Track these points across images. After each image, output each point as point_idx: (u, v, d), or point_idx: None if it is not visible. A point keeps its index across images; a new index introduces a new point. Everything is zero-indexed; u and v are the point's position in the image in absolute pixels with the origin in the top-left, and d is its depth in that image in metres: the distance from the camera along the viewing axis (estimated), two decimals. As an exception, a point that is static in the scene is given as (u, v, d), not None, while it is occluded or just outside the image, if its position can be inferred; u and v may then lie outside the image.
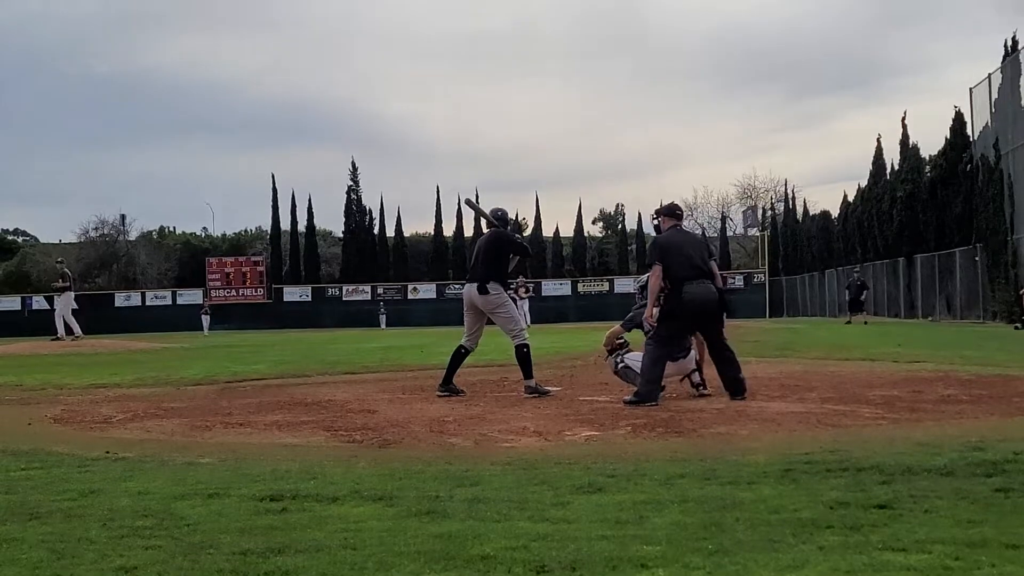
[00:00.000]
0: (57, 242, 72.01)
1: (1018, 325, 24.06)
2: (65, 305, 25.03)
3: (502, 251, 9.20)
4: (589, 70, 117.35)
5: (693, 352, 8.49)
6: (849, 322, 31.82)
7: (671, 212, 8.66)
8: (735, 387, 8.02)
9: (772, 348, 16.00)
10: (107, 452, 5.81)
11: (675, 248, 8.20)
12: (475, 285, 9.01)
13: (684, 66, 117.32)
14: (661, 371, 7.99)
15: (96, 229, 65.97)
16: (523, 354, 8.93)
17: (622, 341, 8.85)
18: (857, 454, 4.98)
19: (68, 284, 25.23)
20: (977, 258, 30.92)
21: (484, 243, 9.24)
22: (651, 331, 8.21)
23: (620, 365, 8.66)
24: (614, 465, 4.86)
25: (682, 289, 8.01)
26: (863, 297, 34.43)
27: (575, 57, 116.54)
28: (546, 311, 48.62)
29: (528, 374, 8.88)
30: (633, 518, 3.66)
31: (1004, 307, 27.60)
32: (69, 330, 24.69)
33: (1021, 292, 24.95)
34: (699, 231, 65.02)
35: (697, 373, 8.49)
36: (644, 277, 9.06)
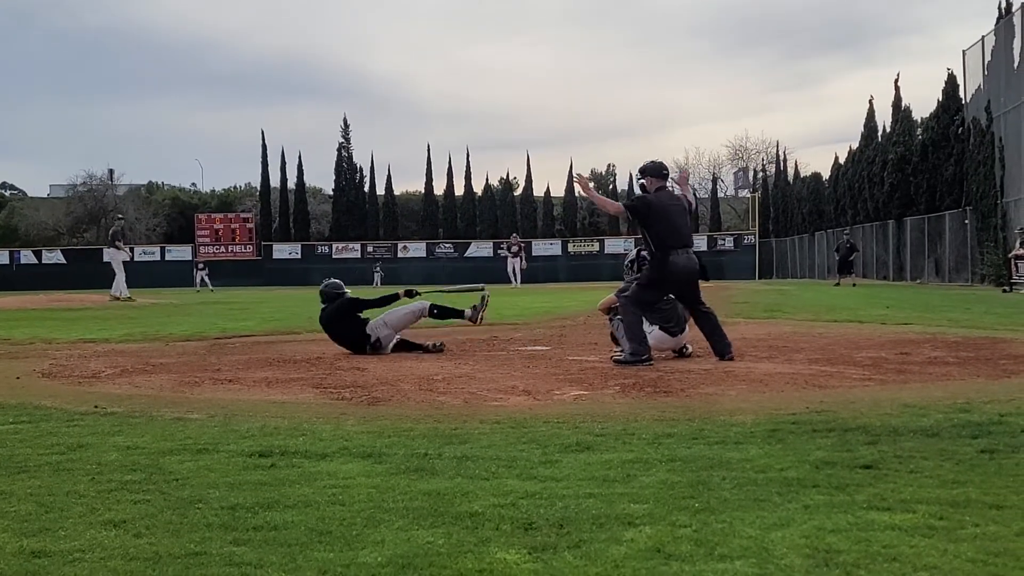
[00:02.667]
0: (45, 196, 71.63)
1: (1006, 288, 24.17)
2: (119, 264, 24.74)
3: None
4: (582, 30, 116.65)
5: (688, 328, 8.47)
6: (838, 284, 31.95)
7: (658, 172, 8.29)
8: (721, 347, 8.00)
9: (761, 309, 16.04)
10: (96, 407, 5.81)
11: (665, 213, 8.07)
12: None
13: (677, 26, 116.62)
14: (642, 327, 7.95)
15: (84, 184, 65.51)
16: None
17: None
18: (844, 415, 5.01)
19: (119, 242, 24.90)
20: (967, 221, 30.99)
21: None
22: (626, 290, 8.23)
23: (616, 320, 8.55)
24: (602, 424, 4.88)
25: (668, 259, 7.96)
26: (852, 259, 34.53)
27: (568, 16, 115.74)
28: (536, 271, 48.60)
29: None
30: (621, 477, 3.68)
31: (992, 270, 27.70)
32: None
33: (1010, 255, 25.03)
34: (691, 192, 64.99)
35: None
36: (634, 252, 9.01)
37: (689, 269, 8.06)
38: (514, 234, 44.83)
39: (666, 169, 8.42)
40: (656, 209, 8.09)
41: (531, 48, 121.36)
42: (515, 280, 37.83)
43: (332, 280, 9.85)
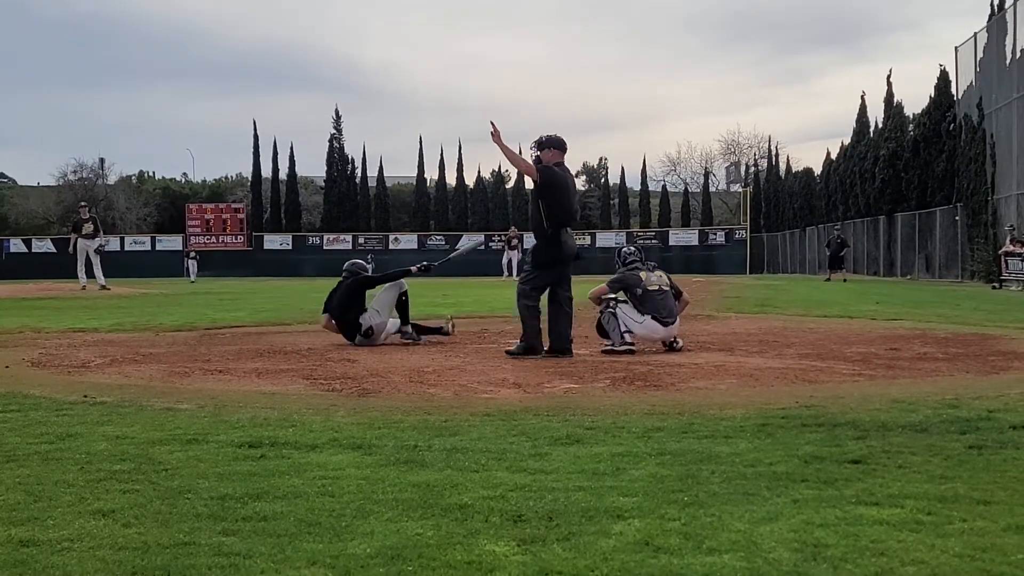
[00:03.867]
0: (35, 184, 71.28)
1: (996, 285, 24.25)
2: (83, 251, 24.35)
3: None
4: (575, 23, 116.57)
5: (679, 320, 8.49)
6: (829, 279, 31.98)
7: (560, 145, 8.10)
8: (560, 343, 7.96)
9: (752, 304, 16.06)
10: (85, 396, 5.80)
11: (565, 190, 8.02)
12: None
13: (671, 20, 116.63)
14: (539, 319, 8.03)
15: (75, 172, 65.27)
16: None
17: (611, 297, 8.71)
18: (833, 410, 5.02)
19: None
20: (957, 217, 31.06)
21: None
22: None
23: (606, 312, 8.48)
24: (592, 418, 4.89)
25: (560, 237, 7.94)
26: (843, 254, 34.60)
27: (561, 9, 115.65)
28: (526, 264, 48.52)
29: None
30: (610, 470, 3.69)
31: (983, 267, 27.77)
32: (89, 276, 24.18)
33: (1000, 252, 25.10)
34: (682, 186, 65.07)
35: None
36: (629, 250, 8.97)
37: (574, 250, 8.18)
38: (512, 227, 44.78)
39: (566, 145, 8.22)
40: (559, 183, 7.99)
41: (524, 41, 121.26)
42: (508, 272, 37.74)
43: (357, 260, 9.89)
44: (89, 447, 4.25)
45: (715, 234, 55.55)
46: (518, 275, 36.59)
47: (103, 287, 23.78)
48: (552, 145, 8.11)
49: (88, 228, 24.35)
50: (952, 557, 2.61)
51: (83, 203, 28.70)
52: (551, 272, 8.10)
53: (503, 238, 41.92)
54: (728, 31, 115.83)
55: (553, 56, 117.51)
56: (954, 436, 4.29)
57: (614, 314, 8.28)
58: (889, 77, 39.60)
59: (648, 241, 55.25)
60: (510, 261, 38.59)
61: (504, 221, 52.79)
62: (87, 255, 24.24)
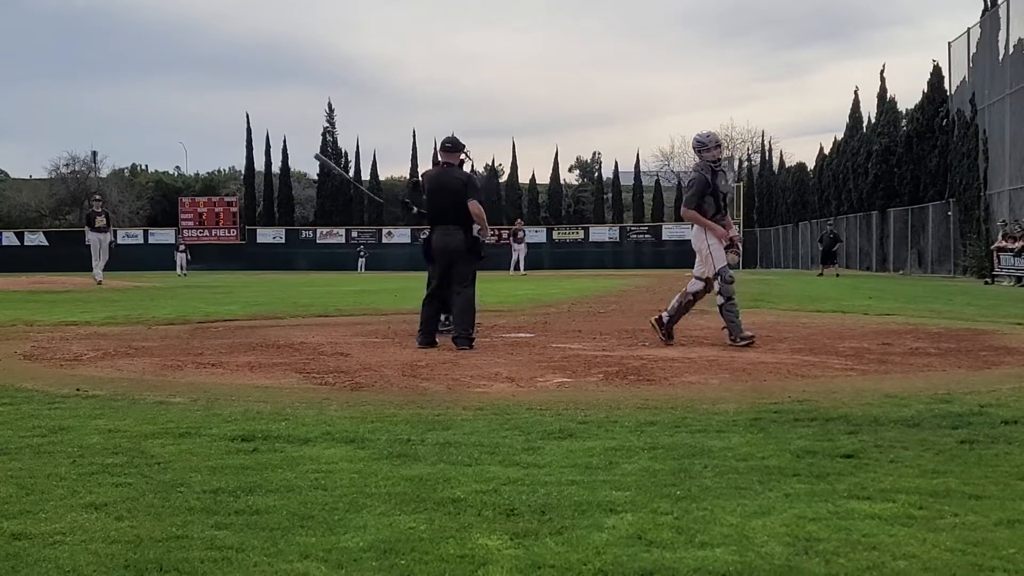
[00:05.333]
0: (28, 177, 71.08)
1: (988, 280, 24.31)
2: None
3: None
4: (569, 17, 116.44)
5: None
6: (821, 274, 32.05)
7: (443, 147, 8.59)
8: (458, 332, 8.18)
9: (745, 299, 16.01)
10: (77, 390, 5.79)
11: (430, 193, 8.50)
12: None
13: (665, 15, 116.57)
14: (475, 304, 8.37)
15: (67, 166, 65.10)
16: None
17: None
18: (825, 404, 5.03)
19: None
20: (950, 213, 31.12)
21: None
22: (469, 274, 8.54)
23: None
24: (585, 412, 4.89)
25: (430, 236, 8.49)
26: (836, 249, 34.67)
27: (556, 4, 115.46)
28: (520, 258, 48.70)
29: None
30: (603, 464, 3.69)
31: (975, 262, 27.83)
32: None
33: (992, 247, 25.16)
34: (675, 180, 65.04)
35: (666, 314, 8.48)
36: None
37: (440, 247, 8.39)
38: (519, 219, 44.65)
39: (450, 144, 8.56)
40: (427, 187, 8.55)
41: (518, 35, 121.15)
42: (520, 268, 37.08)
43: None
44: (81, 440, 4.25)
45: (708, 229, 55.48)
46: (525, 270, 36.45)
47: (100, 283, 23.62)
48: (441, 147, 8.70)
49: (101, 222, 24.04)
50: (944, 551, 2.61)
51: (97, 197, 28.35)
52: (432, 266, 8.60)
53: (512, 232, 41.12)
54: (723, 25, 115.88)
55: (547, 50, 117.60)
56: (946, 431, 4.30)
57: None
58: (883, 72, 39.76)
59: (641, 236, 55.39)
60: (518, 257, 37.85)
61: (496, 214, 52.69)
62: (100, 249, 23.95)
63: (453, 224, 8.33)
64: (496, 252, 49.07)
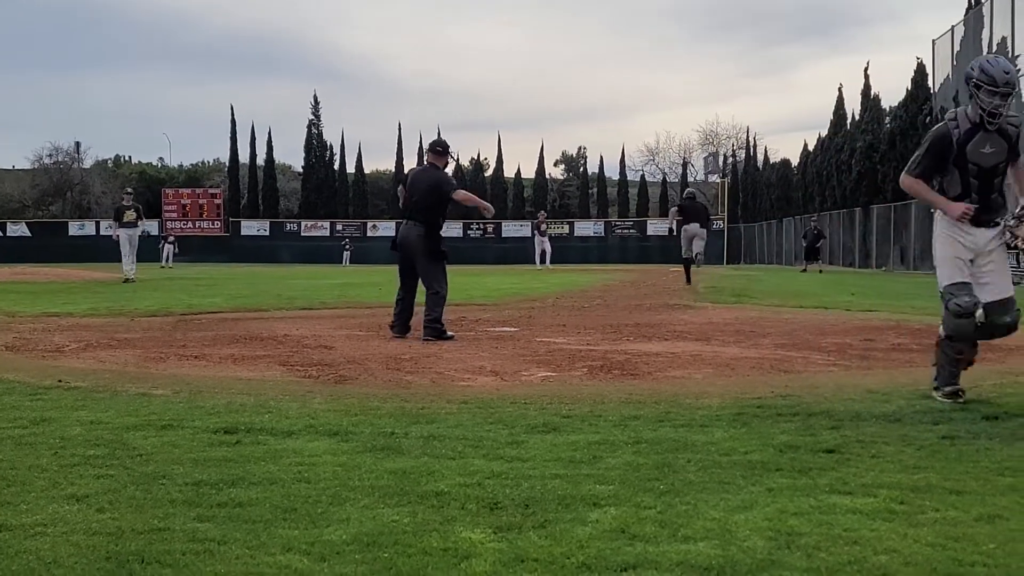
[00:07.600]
0: (10, 168, 70.60)
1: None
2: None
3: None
4: (556, 12, 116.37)
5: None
6: (804, 270, 32.18)
7: (431, 148, 9.00)
8: (426, 322, 8.40)
9: (728, 294, 16.13)
10: (59, 381, 5.76)
11: (408, 190, 8.80)
12: None
13: (651, 11, 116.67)
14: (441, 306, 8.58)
15: (50, 156, 64.73)
16: None
17: None
18: (808, 400, 5.05)
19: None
20: (932, 210, 31.21)
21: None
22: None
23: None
24: (569, 406, 4.90)
25: (399, 230, 8.87)
26: (819, 246, 34.81)
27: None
28: (506, 252, 48.61)
29: None
30: (587, 458, 3.70)
31: (956, 260, 27.91)
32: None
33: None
34: (660, 176, 65.14)
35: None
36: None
37: (401, 239, 8.83)
38: (542, 212, 44.56)
39: (440, 147, 8.99)
40: (408, 181, 8.88)
41: (505, 29, 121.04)
42: (545, 260, 36.82)
43: None
44: (63, 432, 4.23)
45: (693, 224, 55.57)
46: (551, 263, 36.24)
47: (128, 279, 22.32)
48: (428, 148, 9.18)
49: (131, 216, 22.99)
50: (924, 546, 2.63)
51: (128, 190, 27.50)
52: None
53: (535, 223, 40.51)
54: (709, 21, 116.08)
55: (533, 44, 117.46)
56: (927, 426, 4.33)
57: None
58: (867, 70, 39.83)
59: (626, 231, 55.45)
60: (543, 250, 37.46)
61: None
62: (131, 245, 22.77)
63: (420, 221, 8.66)
64: (517, 246, 49.21)
